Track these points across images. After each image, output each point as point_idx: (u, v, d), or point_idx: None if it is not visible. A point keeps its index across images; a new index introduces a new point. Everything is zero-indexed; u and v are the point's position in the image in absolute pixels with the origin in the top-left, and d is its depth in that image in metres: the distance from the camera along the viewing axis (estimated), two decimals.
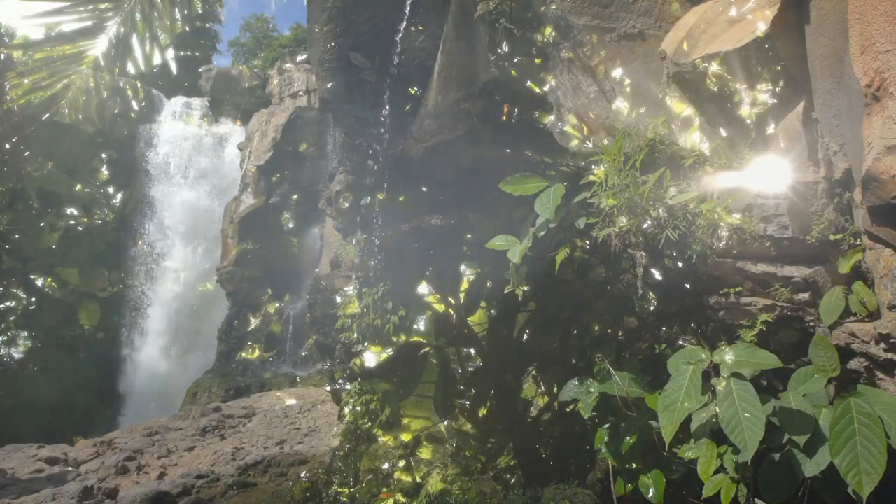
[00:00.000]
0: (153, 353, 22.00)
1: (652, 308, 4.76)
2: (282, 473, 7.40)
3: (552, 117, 4.59)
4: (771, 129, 3.57)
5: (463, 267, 6.07)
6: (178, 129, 23.69)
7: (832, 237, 3.05)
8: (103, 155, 22.06)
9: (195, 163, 23.59)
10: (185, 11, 7.50)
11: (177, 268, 23.12)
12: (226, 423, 11.47)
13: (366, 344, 5.97)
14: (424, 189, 6.30)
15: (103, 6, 6.22)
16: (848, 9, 2.68)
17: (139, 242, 22.87)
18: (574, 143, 4.43)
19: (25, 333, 19.90)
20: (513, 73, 4.83)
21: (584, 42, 4.28)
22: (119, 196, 22.43)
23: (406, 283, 6.05)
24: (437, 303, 6.07)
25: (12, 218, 19.46)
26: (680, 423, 3.01)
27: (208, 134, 23.95)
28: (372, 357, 5.99)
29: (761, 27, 3.37)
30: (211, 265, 22.57)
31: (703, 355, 3.19)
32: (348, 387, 6.08)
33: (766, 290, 3.31)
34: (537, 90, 4.72)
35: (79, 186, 21.37)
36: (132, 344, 22.00)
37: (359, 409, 5.82)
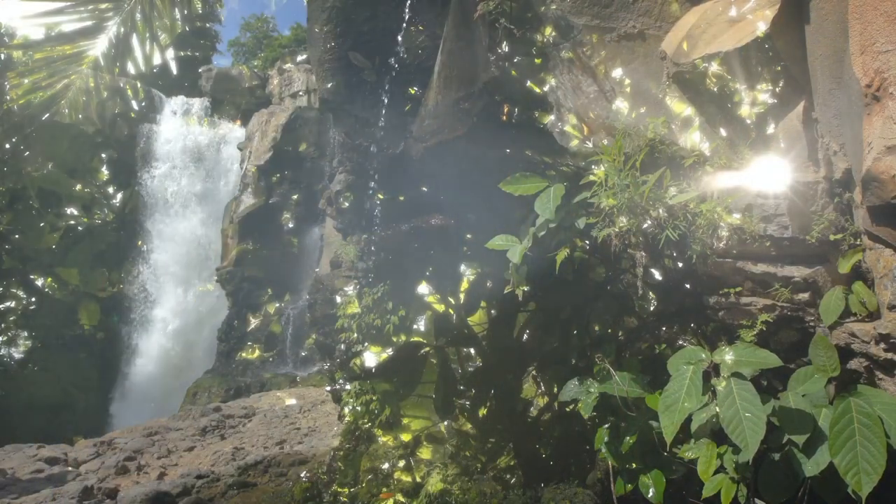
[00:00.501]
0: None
1: (652, 308, 4.77)
2: (282, 473, 7.40)
3: (552, 117, 4.59)
4: (771, 129, 3.57)
5: (463, 267, 6.07)
6: (177, 140, 23.14)
7: (832, 237, 3.04)
8: (103, 155, 22.05)
9: (193, 184, 22.90)
10: (185, 11, 7.51)
11: (165, 316, 22.04)
12: (226, 423, 11.47)
13: (366, 344, 5.97)
14: (424, 189, 6.30)
15: (103, 6, 6.22)
16: (848, 9, 2.68)
17: (133, 287, 22.12)
18: (574, 143, 4.43)
19: (25, 333, 19.90)
20: (513, 73, 4.83)
21: (584, 42, 4.28)
22: (119, 196, 22.41)
23: (406, 283, 6.06)
24: (437, 303, 6.08)
25: (12, 218, 19.47)
26: (681, 423, 3.01)
27: (210, 142, 23.35)
28: (372, 357, 5.99)
29: (761, 27, 3.37)
30: (205, 308, 21.81)
31: (704, 355, 3.19)
32: (348, 387, 6.08)
33: (766, 290, 3.31)
34: (537, 90, 4.72)
35: (79, 186, 21.37)
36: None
37: (359, 409, 5.82)
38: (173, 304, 22.21)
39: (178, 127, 23.29)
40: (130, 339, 21.83)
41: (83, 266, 20.99)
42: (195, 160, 23.08)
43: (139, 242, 22.43)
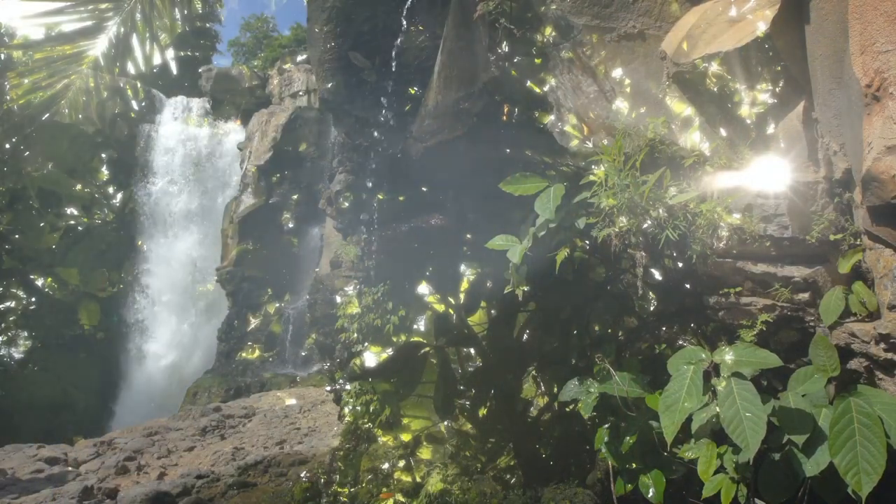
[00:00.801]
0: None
1: (652, 308, 4.77)
2: (282, 473, 7.40)
3: (552, 117, 4.59)
4: (771, 129, 3.57)
5: (463, 267, 6.07)
6: (176, 148, 22.85)
7: (832, 237, 3.05)
8: (103, 155, 22.06)
9: (191, 200, 22.31)
10: (185, 11, 7.51)
11: (159, 351, 20.89)
12: (226, 423, 11.47)
13: (366, 344, 5.97)
14: (424, 189, 6.30)
15: (103, 6, 6.22)
16: (848, 9, 2.68)
17: (131, 313, 21.35)
18: (574, 143, 4.43)
19: (25, 333, 19.91)
20: (513, 73, 4.83)
21: (584, 42, 4.28)
22: (119, 196, 22.41)
23: (406, 283, 6.06)
24: (437, 303, 6.08)
25: (12, 218, 19.48)
26: (681, 423, 3.01)
27: (210, 153, 22.89)
28: (372, 357, 5.99)
29: (761, 27, 3.37)
30: (204, 338, 20.86)
31: (704, 355, 3.19)
32: (348, 387, 6.08)
33: (766, 290, 3.31)
34: (537, 90, 4.72)
35: (79, 186, 21.38)
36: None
37: (359, 409, 5.82)
38: (168, 337, 21.18)
39: (177, 133, 22.94)
40: (128, 368, 21.33)
41: (83, 266, 21.00)
42: (195, 171, 22.60)
43: (139, 243, 22.35)
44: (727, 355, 3.10)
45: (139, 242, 22.33)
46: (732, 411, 2.85)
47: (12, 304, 19.87)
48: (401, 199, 6.25)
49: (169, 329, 21.58)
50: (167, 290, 21.77)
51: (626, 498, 3.78)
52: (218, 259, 21.18)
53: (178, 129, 23.09)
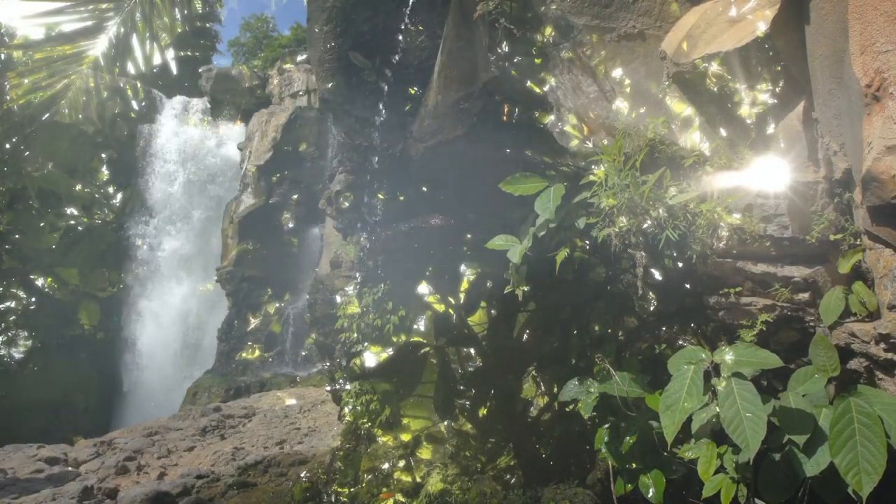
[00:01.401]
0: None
1: (652, 308, 4.77)
2: (282, 473, 7.39)
3: (552, 117, 4.59)
4: (771, 129, 3.57)
5: (463, 267, 6.07)
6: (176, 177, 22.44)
7: (832, 237, 3.05)
8: (103, 155, 22.05)
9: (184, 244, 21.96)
10: (185, 11, 7.51)
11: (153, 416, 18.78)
12: (226, 423, 11.47)
13: (366, 344, 5.96)
14: (424, 189, 6.30)
15: (103, 6, 6.22)
16: (848, 9, 2.68)
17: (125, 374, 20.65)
18: (574, 143, 4.43)
19: (25, 333, 19.89)
20: (513, 73, 4.83)
21: (584, 42, 4.28)
22: (119, 196, 22.40)
23: (406, 283, 6.05)
24: (437, 303, 6.07)
25: (12, 218, 19.46)
26: (681, 423, 3.01)
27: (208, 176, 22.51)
28: (372, 357, 5.98)
29: (761, 27, 3.37)
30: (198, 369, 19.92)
31: (704, 355, 3.19)
32: (348, 387, 6.08)
33: (766, 290, 3.31)
34: (537, 90, 4.72)
35: (79, 186, 21.37)
36: None
37: (359, 409, 5.82)
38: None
39: (176, 148, 22.66)
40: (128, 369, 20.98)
41: (83, 266, 20.98)
42: (190, 202, 22.38)
43: (139, 242, 22.31)
44: (727, 355, 3.10)
45: (137, 242, 22.11)
46: (733, 411, 2.85)
47: (12, 304, 19.85)
48: (401, 199, 6.26)
49: (154, 402, 20.18)
50: (158, 351, 20.95)
51: (626, 498, 3.78)
52: (214, 317, 20.81)
53: (176, 145, 22.72)
